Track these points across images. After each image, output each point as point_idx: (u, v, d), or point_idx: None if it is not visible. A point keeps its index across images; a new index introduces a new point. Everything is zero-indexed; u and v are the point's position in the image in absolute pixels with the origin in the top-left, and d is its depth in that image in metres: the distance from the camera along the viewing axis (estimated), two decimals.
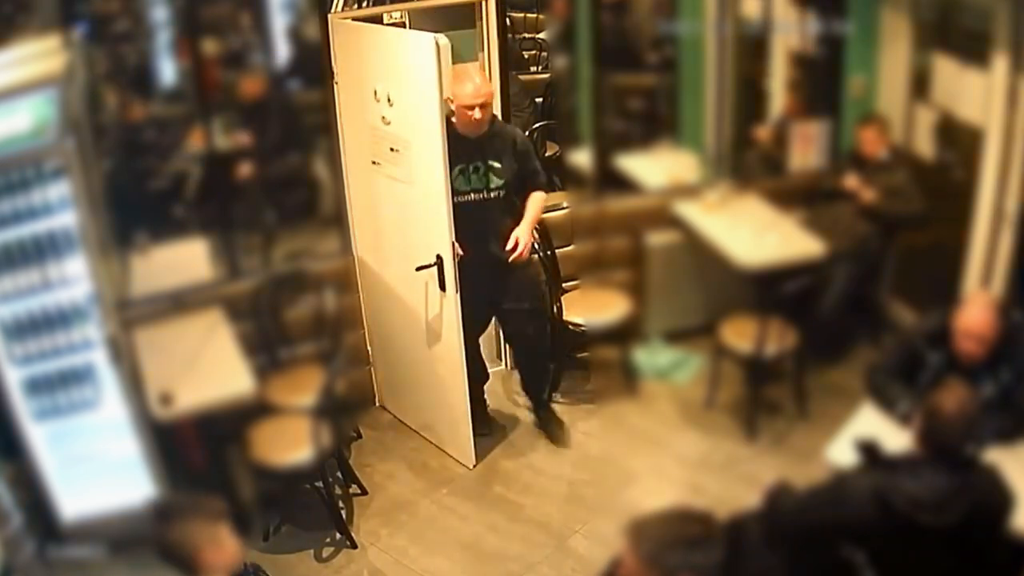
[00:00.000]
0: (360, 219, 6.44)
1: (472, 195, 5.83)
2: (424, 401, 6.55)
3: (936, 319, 5.05)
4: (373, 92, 5.91)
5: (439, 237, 5.77)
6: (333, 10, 6.10)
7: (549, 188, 6.21)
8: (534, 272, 6.34)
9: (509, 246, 5.84)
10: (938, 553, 4.03)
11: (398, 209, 6.11)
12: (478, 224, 5.88)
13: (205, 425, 5.68)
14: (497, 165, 5.81)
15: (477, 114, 5.62)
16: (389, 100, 5.84)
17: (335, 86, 6.11)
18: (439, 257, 5.79)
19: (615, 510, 5.74)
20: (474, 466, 6.29)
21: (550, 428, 6.49)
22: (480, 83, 5.66)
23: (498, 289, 6.11)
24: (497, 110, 6.23)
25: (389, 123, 5.91)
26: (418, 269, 5.92)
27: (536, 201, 6.01)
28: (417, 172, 5.82)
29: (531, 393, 6.60)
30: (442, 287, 5.89)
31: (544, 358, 6.53)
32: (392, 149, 5.95)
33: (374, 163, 6.10)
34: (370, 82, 5.92)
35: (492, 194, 5.83)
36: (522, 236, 5.87)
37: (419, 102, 5.60)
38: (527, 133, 6.79)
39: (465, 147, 5.74)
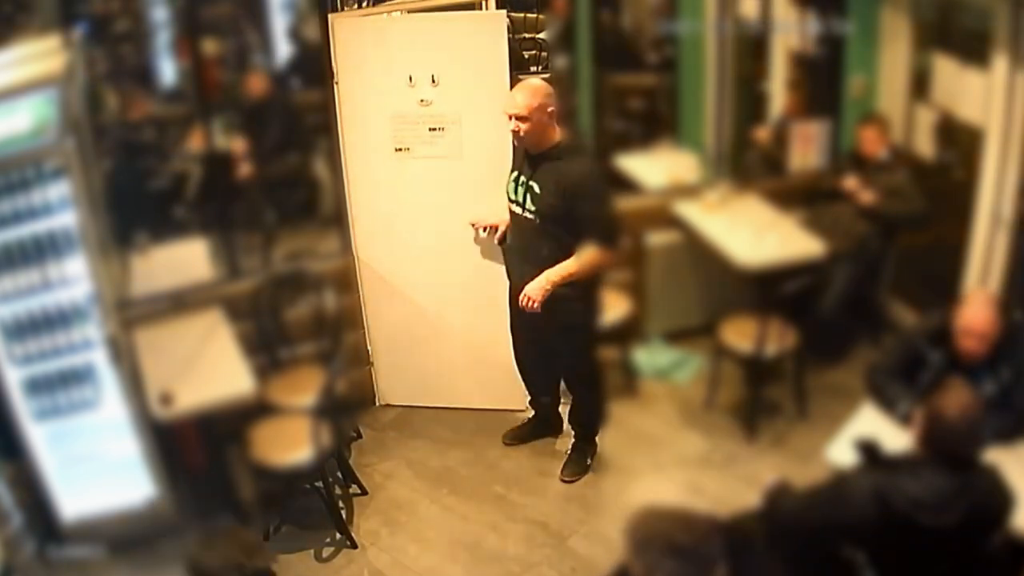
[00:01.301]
0: (362, 217, 6.44)
1: (515, 207, 5.71)
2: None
3: (936, 318, 5.05)
4: (407, 78, 6.01)
5: (491, 207, 5.97)
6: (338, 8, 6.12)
7: (606, 244, 5.50)
8: (564, 313, 5.78)
9: (521, 301, 5.74)
10: (938, 553, 4.03)
11: (435, 188, 6.25)
12: (516, 239, 5.78)
13: (205, 425, 5.69)
14: (537, 191, 5.54)
15: (513, 124, 5.50)
16: (434, 80, 5.99)
17: (335, 86, 6.11)
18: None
19: (616, 510, 5.74)
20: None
21: (572, 460, 6.41)
22: (521, 96, 5.40)
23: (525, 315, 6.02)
24: None
25: (429, 103, 6.03)
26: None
27: (582, 257, 5.51)
28: (467, 146, 6.01)
29: (573, 425, 6.50)
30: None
31: (583, 389, 6.40)
32: (432, 129, 6.10)
33: (398, 150, 6.14)
34: (399, 71, 6.02)
35: (528, 215, 5.61)
36: (532, 292, 5.56)
37: (475, 78, 5.93)
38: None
39: (521, 155, 5.67)
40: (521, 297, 5.58)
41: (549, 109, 5.38)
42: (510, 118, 5.41)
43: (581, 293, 5.63)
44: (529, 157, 5.53)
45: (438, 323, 6.57)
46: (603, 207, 5.48)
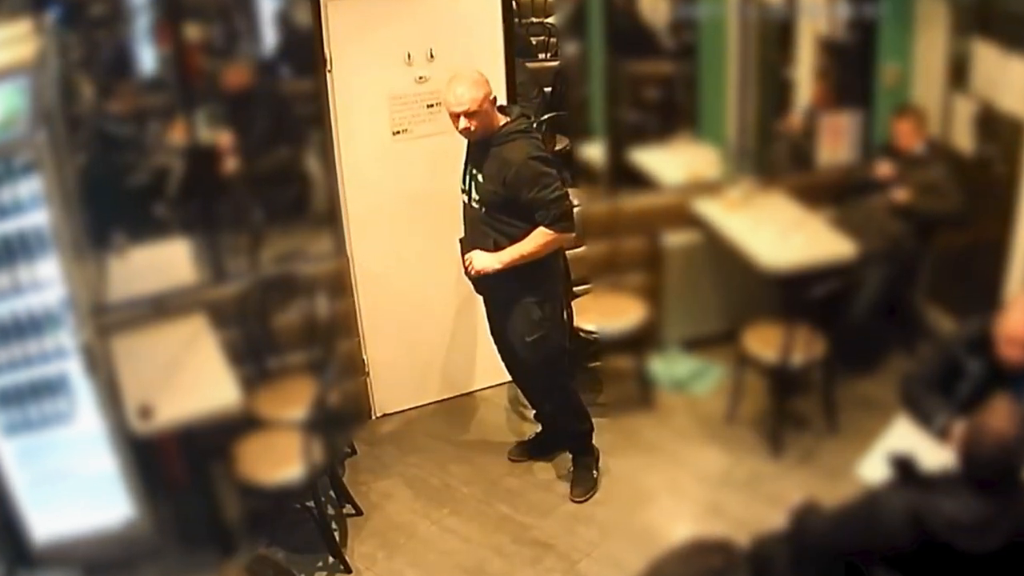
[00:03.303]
0: (356, 214, 6.45)
1: (464, 196, 5.84)
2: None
3: (976, 324, 5.03)
4: (405, 57, 6.28)
5: None
6: None
7: (556, 226, 5.64)
8: (523, 321, 5.93)
9: (465, 263, 5.84)
10: None
11: (435, 175, 6.45)
12: (466, 231, 5.92)
13: (187, 440, 5.68)
14: (480, 180, 5.71)
15: (463, 123, 5.54)
16: (431, 55, 6.32)
17: (328, 74, 6.11)
18: None
19: (629, 532, 5.74)
20: None
21: (579, 476, 6.38)
22: (464, 90, 5.51)
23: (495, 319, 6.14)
24: (504, 101, 6.23)
25: (427, 80, 6.31)
26: None
27: (532, 238, 5.67)
28: None
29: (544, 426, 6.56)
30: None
31: (550, 406, 6.45)
32: (430, 106, 6.37)
33: (396, 133, 6.34)
34: (396, 50, 6.26)
35: (474, 205, 5.77)
36: (478, 261, 5.76)
37: (472, 48, 6.34)
38: (535, 125, 6.71)
39: (471, 148, 5.76)
40: (465, 259, 5.82)
41: (492, 97, 5.59)
42: (456, 117, 5.49)
43: (544, 297, 5.73)
44: (475, 146, 5.65)
45: (440, 329, 6.58)
46: (546, 189, 5.58)
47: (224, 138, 6.41)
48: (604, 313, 6.64)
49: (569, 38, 7.91)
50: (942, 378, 5.05)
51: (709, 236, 6.76)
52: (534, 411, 6.59)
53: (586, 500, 6.16)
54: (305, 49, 6.26)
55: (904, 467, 4.17)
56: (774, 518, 4.74)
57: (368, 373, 6.85)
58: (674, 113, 7.34)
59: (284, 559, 5.84)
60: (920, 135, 6.54)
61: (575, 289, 6.79)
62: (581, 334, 6.65)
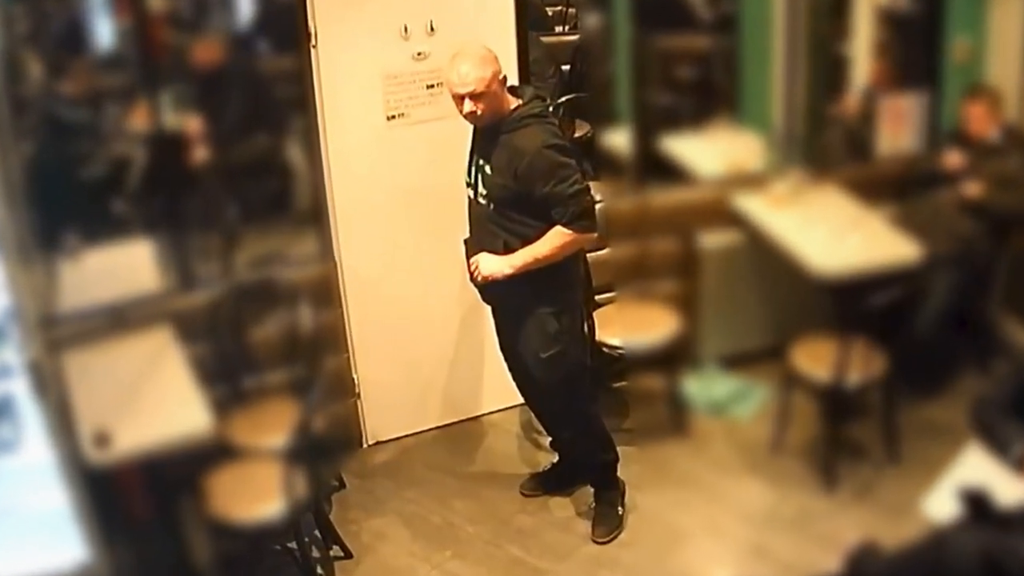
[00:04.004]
0: (345, 212, 6.47)
1: (469, 191, 5.84)
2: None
3: None
4: (401, 29, 6.28)
5: None
6: None
7: (575, 225, 5.65)
8: (538, 336, 5.99)
9: (471, 268, 5.84)
10: None
11: (436, 167, 6.51)
12: (472, 230, 5.91)
13: (151, 471, 5.69)
14: (488, 172, 5.71)
15: (468, 107, 5.55)
16: (431, 27, 6.33)
17: (312, 50, 6.13)
18: None
19: None
20: None
21: (601, 513, 6.40)
22: (469, 68, 5.50)
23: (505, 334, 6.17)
24: (515, 81, 6.24)
25: (426, 56, 6.32)
26: None
27: (548, 238, 5.68)
28: None
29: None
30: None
31: (569, 432, 6.46)
32: (430, 86, 6.40)
33: (391, 118, 6.31)
34: (390, 21, 6.27)
35: (481, 201, 5.79)
36: (485, 265, 5.78)
37: (479, 20, 6.38)
38: (551, 108, 6.72)
39: (477, 136, 5.77)
40: (471, 263, 5.79)
41: (501, 76, 5.57)
42: (460, 99, 5.49)
43: (561, 307, 5.73)
44: (481, 133, 5.64)
45: (442, 344, 6.60)
46: (563, 182, 5.57)
47: (193, 124, 6.43)
48: (631, 325, 6.65)
49: (590, 8, 7.93)
50: (1020, 401, 5.05)
51: (751, 237, 6.76)
52: (550, 439, 6.61)
53: (610, 541, 6.17)
54: (286, 21, 6.29)
55: (976, 503, 4.18)
56: (826, 562, 4.75)
57: (359, 395, 6.87)
58: (711, 94, 7.35)
59: None
60: (995, 120, 6.55)
61: (597, 298, 6.81)
62: (604, 350, 6.67)
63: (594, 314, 6.64)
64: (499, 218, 5.67)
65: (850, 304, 6.12)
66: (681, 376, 6.78)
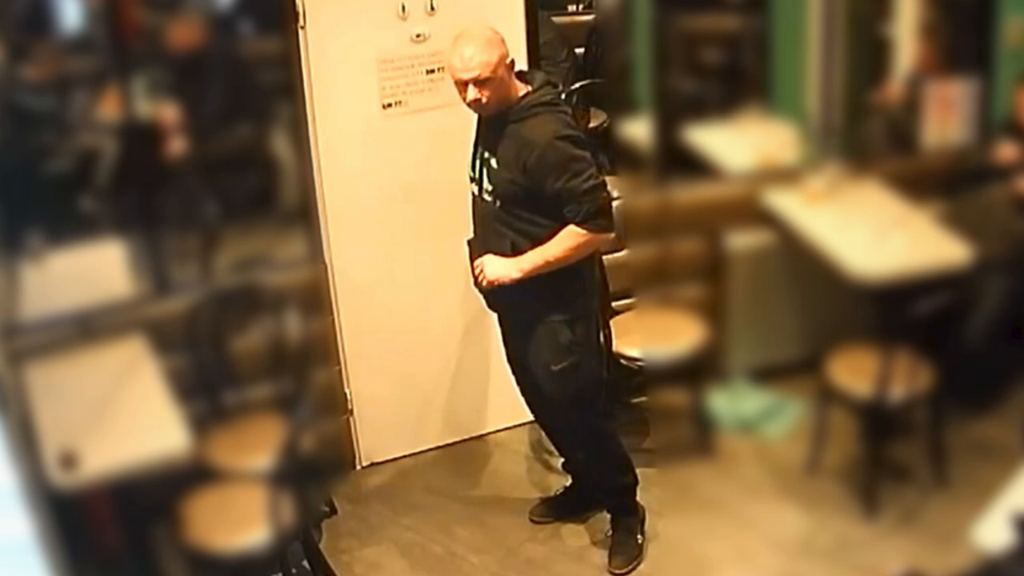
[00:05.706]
0: (336, 209, 6.46)
1: (474, 187, 5.83)
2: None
3: None
4: (398, 8, 6.32)
5: None
6: None
7: (590, 224, 5.73)
8: (549, 347, 6.02)
9: (475, 271, 5.82)
10: None
11: (436, 160, 6.55)
12: (477, 230, 5.90)
13: (123, 496, 5.68)
14: (494, 165, 5.71)
15: (472, 94, 5.53)
16: (431, 6, 6.35)
17: (300, 31, 6.13)
18: None
19: None
20: None
21: (618, 542, 6.42)
22: (473, 52, 5.49)
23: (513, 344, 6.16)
24: (524, 65, 6.24)
25: (426, 39, 6.38)
26: None
27: (560, 239, 5.71)
28: None
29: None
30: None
31: (583, 453, 6.45)
32: (430, 72, 6.46)
33: (387, 106, 6.29)
34: (389, 0, 6.32)
35: (486, 197, 5.78)
36: (491, 269, 5.78)
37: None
38: (564, 96, 6.70)
39: (482, 126, 5.76)
40: (475, 266, 5.82)
41: (509, 60, 5.57)
42: (464, 85, 5.47)
43: (575, 315, 5.72)
44: (487, 123, 5.62)
45: (442, 356, 6.58)
46: (577, 177, 5.59)
47: (168, 112, 6.42)
48: (651, 334, 6.64)
49: None
50: None
51: (784, 237, 6.75)
52: (562, 460, 6.60)
53: (629, 572, 6.16)
54: (271, 0, 6.28)
55: None
56: None
57: (351, 411, 6.87)
58: (740, 80, 7.34)
59: None
60: None
61: (614, 304, 6.80)
62: (622, 361, 6.66)
63: (611, 322, 6.64)
64: (506, 217, 5.66)
65: (893, 311, 6.10)
66: (706, 391, 6.76)
